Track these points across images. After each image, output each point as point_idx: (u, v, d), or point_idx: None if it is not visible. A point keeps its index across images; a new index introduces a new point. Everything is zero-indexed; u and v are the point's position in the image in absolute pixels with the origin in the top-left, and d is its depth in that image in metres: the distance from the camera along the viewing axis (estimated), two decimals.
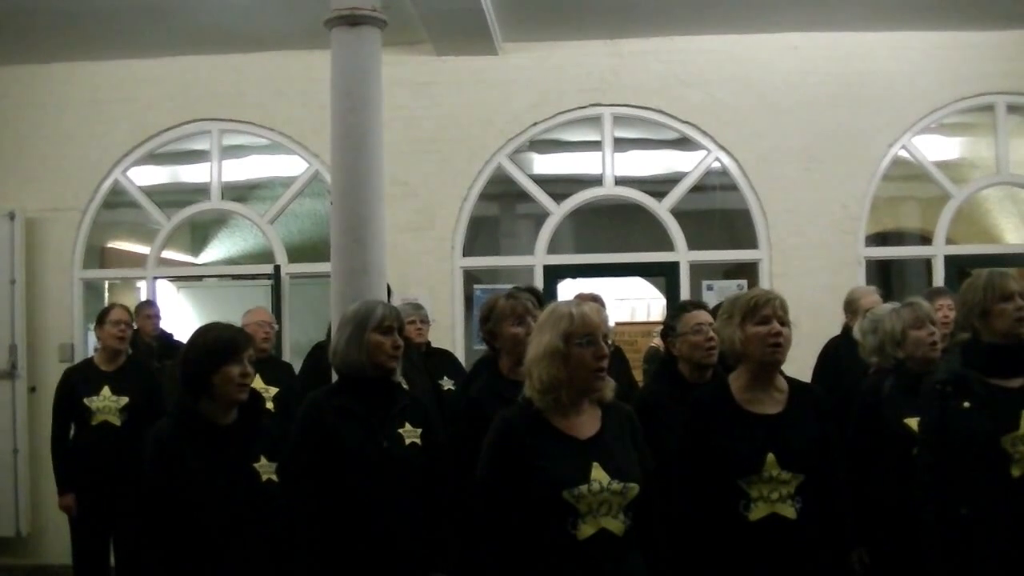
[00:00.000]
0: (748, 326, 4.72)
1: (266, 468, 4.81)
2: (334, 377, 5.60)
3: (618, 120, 12.03)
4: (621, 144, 12.21)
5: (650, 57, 11.81)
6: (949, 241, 12.21)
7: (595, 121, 12.03)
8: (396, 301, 8.47)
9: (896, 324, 6.12)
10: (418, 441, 5.32)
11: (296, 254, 12.40)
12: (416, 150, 11.57)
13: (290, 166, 12.38)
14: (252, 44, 11.66)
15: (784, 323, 4.74)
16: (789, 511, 4.55)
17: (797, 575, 4.55)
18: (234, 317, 8.27)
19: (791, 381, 4.92)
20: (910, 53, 11.78)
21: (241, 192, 12.90)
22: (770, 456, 4.55)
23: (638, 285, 16.84)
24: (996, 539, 4.92)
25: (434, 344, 9.31)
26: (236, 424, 4.86)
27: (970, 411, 5.05)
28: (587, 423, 4.31)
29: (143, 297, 12.49)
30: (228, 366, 4.73)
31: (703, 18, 11.28)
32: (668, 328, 6.32)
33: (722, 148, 11.85)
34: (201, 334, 4.97)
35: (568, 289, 11.88)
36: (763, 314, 4.71)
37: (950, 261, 11.98)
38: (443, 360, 8.88)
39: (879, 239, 13.10)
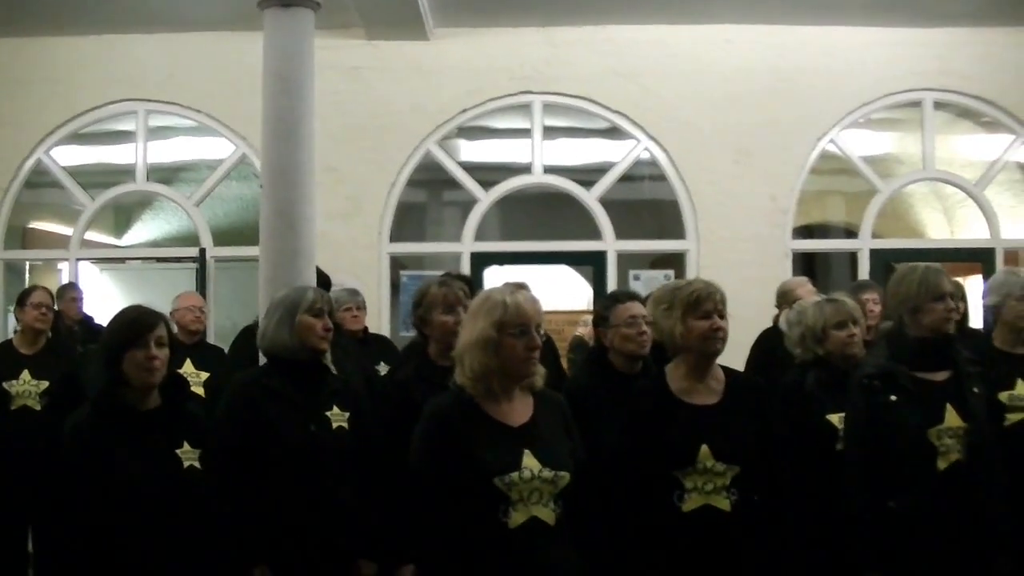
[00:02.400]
0: (689, 319, 4.69)
1: (189, 455, 4.68)
2: (262, 361, 5.55)
3: (548, 108, 12.05)
4: (551, 132, 12.24)
5: (583, 46, 11.83)
6: (875, 235, 12.35)
7: (525, 109, 12.05)
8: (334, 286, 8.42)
9: (818, 320, 6.09)
10: (345, 425, 5.30)
11: (222, 238, 12.30)
12: (345, 135, 11.51)
13: (217, 149, 12.29)
14: (182, 24, 11.52)
15: (724, 316, 4.74)
16: (723, 503, 4.53)
17: (729, 568, 4.53)
18: (158, 301, 8.07)
19: (730, 372, 4.91)
20: (841, 48, 11.90)
21: (167, 174, 12.80)
22: (704, 447, 4.53)
23: (565, 274, 16.82)
24: (923, 531, 4.95)
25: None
26: (159, 410, 4.74)
27: (897, 404, 5.09)
28: (519, 411, 4.29)
29: (65, 279, 12.31)
30: (133, 350, 4.59)
31: (637, 8, 11.32)
32: (600, 318, 6.28)
33: (652, 138, 11.90)
34: (115, 317, 4.86)
35: (495, 276, 11.85)
36: (705, 308, 4.70)
37: (875, 255, 12.13)
38: (380, 346, 8.81)
39: (805, 232, 13.19)
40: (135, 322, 4.69)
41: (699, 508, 4.52)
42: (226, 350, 8.83)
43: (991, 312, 6.29)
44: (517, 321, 4.17)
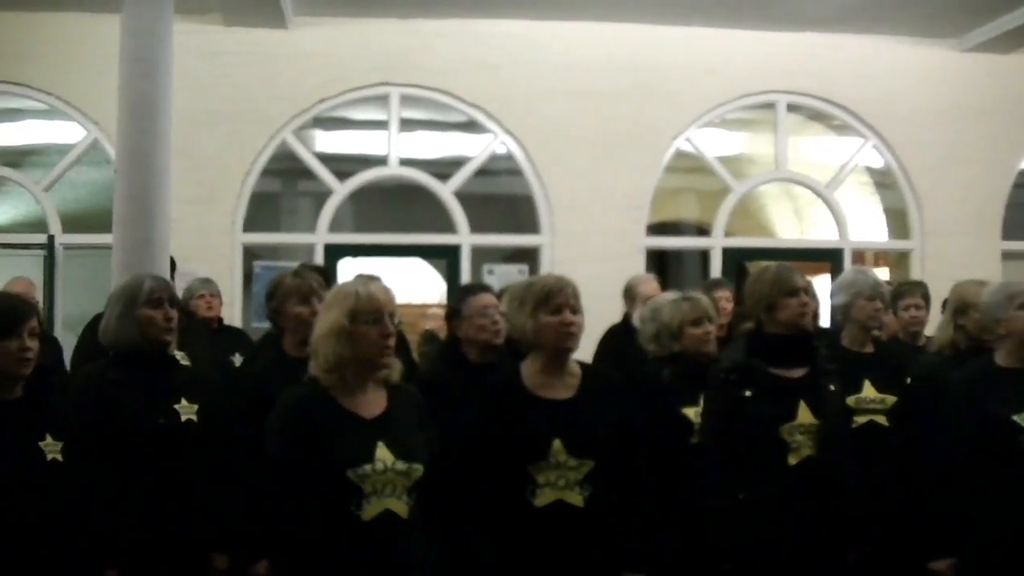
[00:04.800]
0: (541, 315, 4.68)
1: (51, 447, 4.59)
2: None
3: (406, 100, 12.04)
4: (408, 125, 12.25)
5: (442, 38, 11.81)
6: (727, 233, 12.54)
7: (383, 100, 12.02)
8: (179, 275, 8.32)
9: (674, 317, 6.16)
10: (194, 418, 5.21)
11: (72, 224, 12.03)
12: (201, 122, 11.29)
13: (68, 132, 12.02)
14: (35, 3, 11.23)
15: (576, 311, 4.74)
16: (576, 498, 4.53)
17: (580, 563, 4.55)
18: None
19: (585, 367, 4.92)
20: (698, 48, 12.06)
21: (14, 157, 12.52)
22: (557, 442, 4.53)
23: (418, 267, 16.82)
24: (773, 524, 5.05)
25: None
26: (21, 400, 4.65)
27: (752, 399, 5.18)
28: (373, 402, 4.28)
29: None
30: (6, 340, 4.51)
31: (498, 2, 11.35)
32: (453, 311, 6.30)
33: (508, 133, 11.95)
34: None
35: (349, 268, 11.81)
36: (556, 303, 4.69)
37: (727, 253, 12.35)
38: (234, 337, 8.76)
39: (659, 229, 13.34)
40: (9, 312, 4.57)
41: (552, 503, 4.53)
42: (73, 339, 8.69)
43: (840, 311, 6.38)
44: (370, 309, 4.17)
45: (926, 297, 7.81)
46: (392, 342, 4.25)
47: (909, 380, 6.17)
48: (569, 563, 4.54)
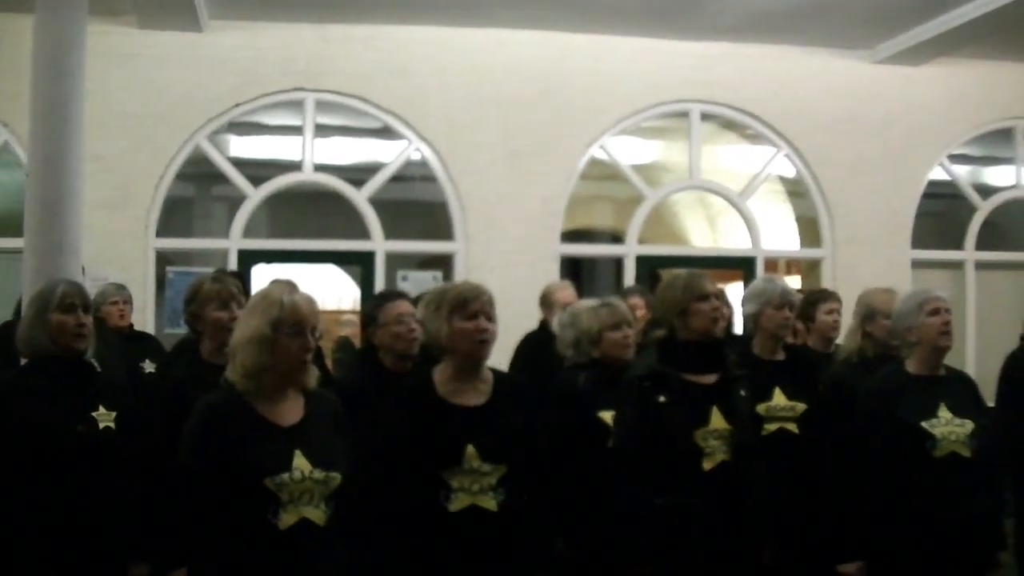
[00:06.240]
0: (456, 320, 4.70)
1: None
2: None
3: (321, 106, 11.98)
4: (323, 130, 12.17)
5: (357, 44, 11.77)
6: (641, 241, 12.60)
7: (298, 105, 11.95)
8: (89, 280, 8.25)
9: (594, 323, 6.24)
10: (112, 425, 5.17)
11: None
12: (113, 125, 11.14)
13: None
14: None
15: (491, 319, 4.77)
16: (490, 503, 4.56)
17: (496, 567, 4.58)
18: None
19: (496, 373, 4.94)
20: (613, 56, 12.11)
21: None
22: (470, 448, 4.56)
23: (331, 273, 16.77)
24: (688, 529, 5.12)
25: None
26: None
27: (665, 405, 5.24)
28: (290, 410, 4.27)
29: None
30: None
31: (413, 8, 11.31)
32: (369, 318, 6.31)
33: (423, 139, 11.93)
34: None
35: (263, 274, 11.74)
36: (472, 309, 4.71)
37: (641, 261, 12.42)
38: (145, 343, 8.68)
39: (572, 236, 13.37)
40: None
41: (466, 508, 4.55)
42: None
43: (750, 320, 6.46)
44: (293, 321, 4.17)
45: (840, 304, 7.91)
46: (311, 356, 4.26)
47: (820, 388, 6.27)
48: (483, 567, 4.57)
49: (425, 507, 4.58)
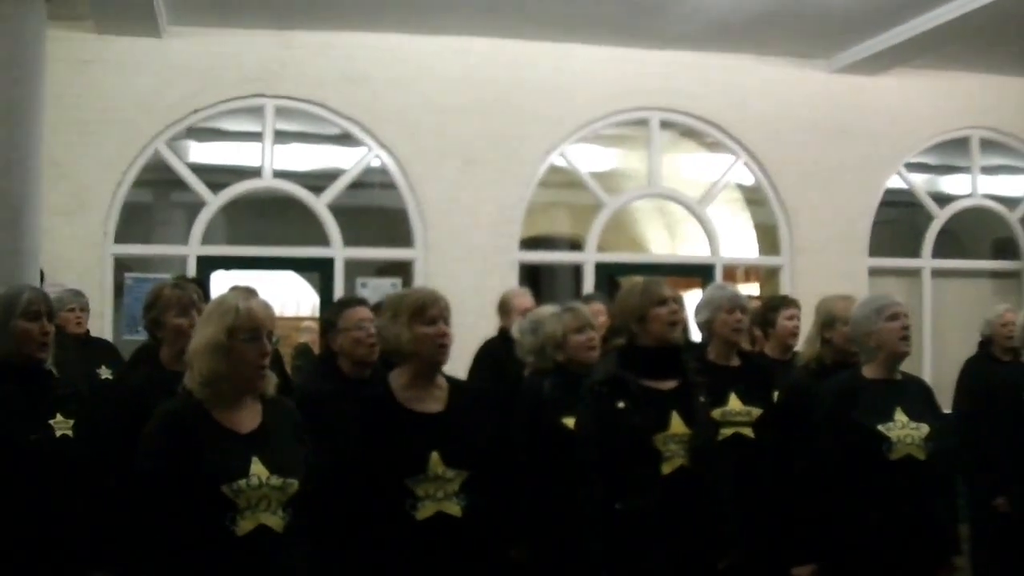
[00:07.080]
0: (415, 326, 4.70)
1: None
2: None
3: (280, 112, 11.96)
4: (282, 137, 12.16)
5: (317, 51, 11.78)
6: (600, 248, 12.64)
7: (257, 112, 11.92)
8: (47, 286, 8.20)
9: (557, 328, 6.31)
10: (70, 433, 5.13)
11: None
12: (71, 130, 11.08)
13: None
14: None
15: (448, 323, 4.78)
16: (455, 509, 4.56)
17: (461, 572, 4.59)
18: None
19: (451, 380, 4.94)
20: (572, 64, 12.15)
21: None
22: (434, 455, 4.56)
23: (290, 280, 16.75)
24: (648, 532, 5.15)
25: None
26: None
27: (625, 411, 5.27)
28: (248, 417, 4.26)
29: None
30: None
31: (373, 16, 11.32)
32: (329, 324, 6.31)
33: (383, 146, 11.93)
34: None
35: (222, 281, 11.70)
36: (430, 315, 4.71)
37: (600, 268, 12.46)
38: (102, 349, 8.63)
39: (531, 243, 13.41)
40: None
41: (433, 516, 4.54)
42: None
43: (704, 328, 6.54)
44: (248, 326, 4.16)
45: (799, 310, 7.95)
46: (268, 361, 4.24)
47: (777, 392, 6.31)
48: (449, 573, 4.58)
49: (391, 516, 4.57)
